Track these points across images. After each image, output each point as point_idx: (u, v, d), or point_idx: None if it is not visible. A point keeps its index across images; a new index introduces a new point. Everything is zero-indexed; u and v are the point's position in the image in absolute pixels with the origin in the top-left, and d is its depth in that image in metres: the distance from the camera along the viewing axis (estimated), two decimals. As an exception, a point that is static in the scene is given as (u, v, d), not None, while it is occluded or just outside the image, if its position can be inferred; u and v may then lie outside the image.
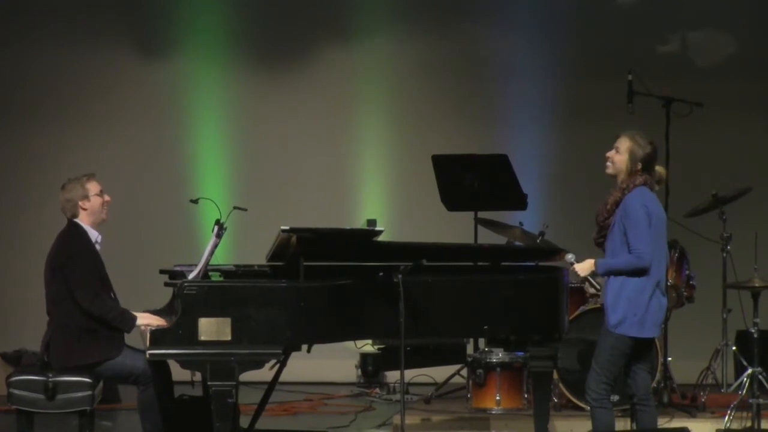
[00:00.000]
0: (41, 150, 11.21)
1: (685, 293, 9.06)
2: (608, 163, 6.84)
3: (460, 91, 11.15)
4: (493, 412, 8.71)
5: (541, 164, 10.52)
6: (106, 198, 7.34)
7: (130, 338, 7.26)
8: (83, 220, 7.27)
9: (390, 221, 10.33)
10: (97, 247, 7.28)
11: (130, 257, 10.32)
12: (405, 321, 6.84)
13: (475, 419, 8.65)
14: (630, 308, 6.65)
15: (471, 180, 9.24)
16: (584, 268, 6.78)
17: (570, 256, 6.85)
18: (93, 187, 7.30)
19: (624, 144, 6.79)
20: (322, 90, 11.26)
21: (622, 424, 8.21)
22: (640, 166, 6.76)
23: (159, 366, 7.16)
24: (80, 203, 7.26)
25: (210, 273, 7.42)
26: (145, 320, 7.06)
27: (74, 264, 7.11)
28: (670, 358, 8.89)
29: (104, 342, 7.11)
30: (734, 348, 9.27)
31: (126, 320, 7.08)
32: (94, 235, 7.28)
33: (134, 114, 11.27)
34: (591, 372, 6.78)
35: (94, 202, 7.28)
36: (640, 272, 6.64)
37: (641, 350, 6.80)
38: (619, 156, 6.80)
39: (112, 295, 7.29)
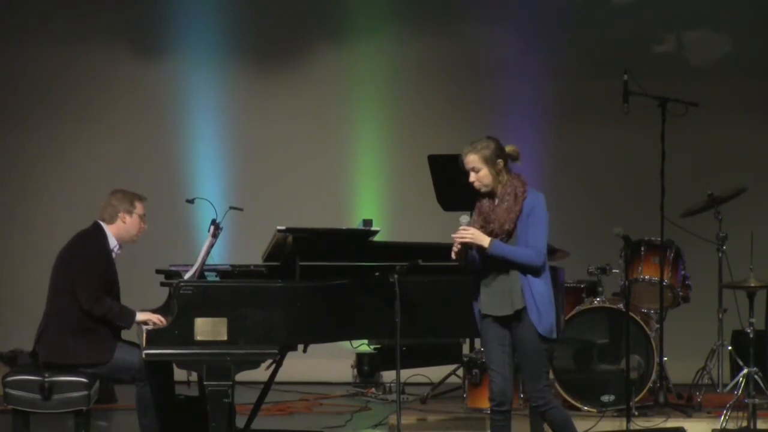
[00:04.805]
0: (37, 150, 11.21)
1: (680, 293, 9.07)
2: (478, 185, 6.58)
3: (456, 91, 11.15)
4: (489, 412, 8.68)
5: (536, 164, 10.50)
6: (144, 225, 7.41)
7: (127, 334, 7.26)
8: (111, 228, 7.32)
9: (386, 221, 10.33)
10: (113, 255, 7.33)
11: (125, 257, 10.22)
12: (401, 321, 6.83)
13: (471, 419, 8.64)
14: (552, 313, 6.54)
15: (467, 180, 9.20)
16: (477, 237, 6.42)
17: (463, 218, 6.52)
18: (140, 209, 7.38)
19: (474, 161, 6.58)
20: (317, 90, 11.26)
21: (618, 424, 8.23)
22: (501, 163, 6.56)
23: (159, 364, 7.15)
24: (121, 214, 7.32)
25: (206, 273, 7.42)
26: (145, 316, 7.09)
27: (83, 263, 7.16)
28: (665, 358, 8.88)
29: (96, 343, 7.11)
30: (730, 348, 9.27)
31: (126, 317, 7.12)
32: (113, 242, 7.33)
33: (130, 113, 11.27)
34: (529, 381, 6.63)
35: (134, 221, 7.35)
36: (533, 270, 6.44)
37: None
38: (482, 172, 6.57)
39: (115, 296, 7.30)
